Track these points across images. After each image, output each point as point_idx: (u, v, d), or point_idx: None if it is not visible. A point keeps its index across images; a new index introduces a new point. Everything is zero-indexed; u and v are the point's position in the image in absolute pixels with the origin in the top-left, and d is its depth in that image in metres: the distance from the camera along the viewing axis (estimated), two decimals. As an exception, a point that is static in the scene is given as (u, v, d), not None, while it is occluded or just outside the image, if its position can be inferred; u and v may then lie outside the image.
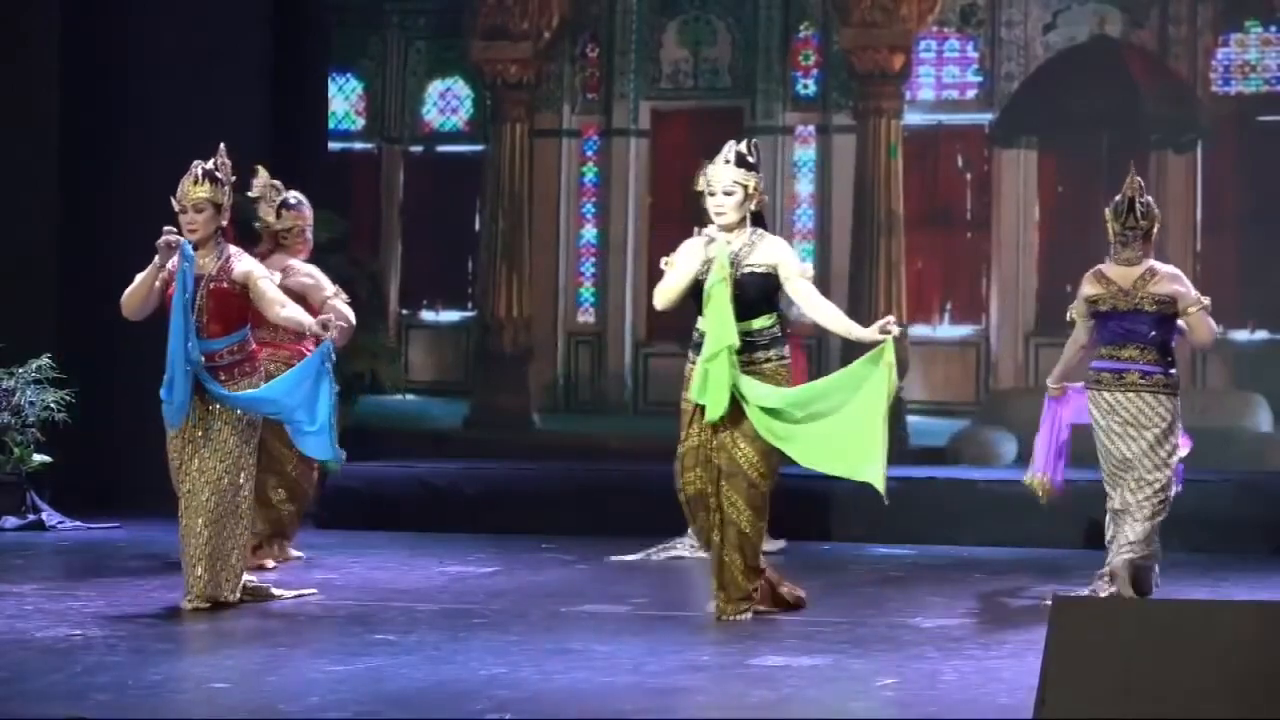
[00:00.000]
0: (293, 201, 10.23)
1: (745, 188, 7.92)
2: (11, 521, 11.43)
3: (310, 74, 13.65)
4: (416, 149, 13.86)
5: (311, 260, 10.18)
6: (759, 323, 7.92)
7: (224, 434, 8.11)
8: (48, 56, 12.60)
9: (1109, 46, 12.84)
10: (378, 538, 10.95)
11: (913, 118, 13.03)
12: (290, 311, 8.23)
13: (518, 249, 13.54)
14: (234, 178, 8.34)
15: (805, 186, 13.23)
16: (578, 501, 11.58)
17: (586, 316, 13.55)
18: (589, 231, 13.57)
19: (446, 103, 13.82)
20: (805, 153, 13.23)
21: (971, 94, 13.03)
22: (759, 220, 8.07)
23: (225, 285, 8.13)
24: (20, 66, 12.60)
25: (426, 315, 13.73)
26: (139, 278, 8.16)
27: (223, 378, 8.10)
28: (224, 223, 8.22)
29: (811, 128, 13.25)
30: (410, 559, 10.14)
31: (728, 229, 7.93)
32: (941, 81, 13.08)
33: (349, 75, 13.90)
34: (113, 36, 12.95)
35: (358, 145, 13.92)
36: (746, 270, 7.88)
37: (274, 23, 13.42)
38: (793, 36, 13.30)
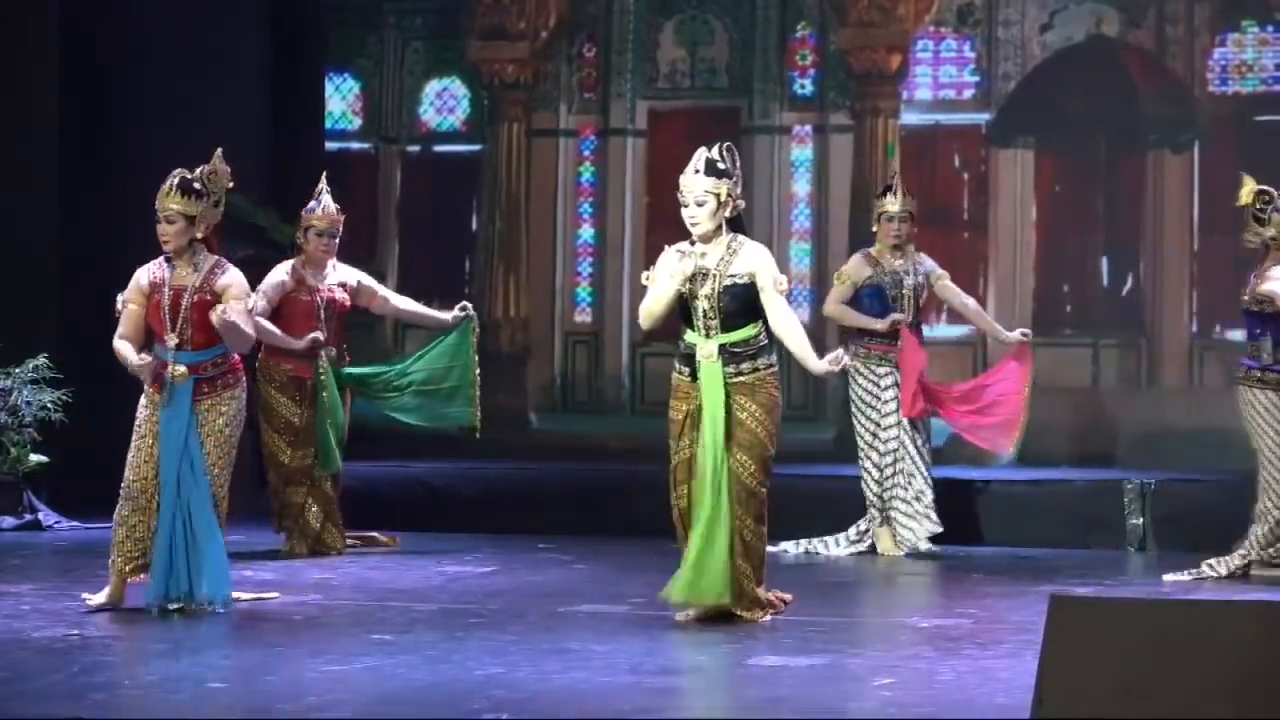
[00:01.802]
0: (309, 205, 10.23)
1: (718, 196, 7.76)
2: (9, 521, 11.43)
3: (308, 74, 13.64)
4: (414, 149, 13.85)
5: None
6: (742, 334, 7.81)
7: (207, 445, 8.07)
8: (48, 56, 12.59)
9: (1106, 46, 12.83)
10: (375, 538, 10.94)
11: (910, 117, 13.03)
12: (240, 347, 8.19)
13: (515, 249, 13.53)
14: (231, 184, 8.26)
15: (802, 186, 13.23)
16: (576, 501, 11.57)
17: (584, 316, 13.53)
18: (586, 231, 13.56)
19: (444, 102, 13.81)
20: (802, 152, 13.22)
21: (969, 94, 13.03)
22: (737, 225, 7.93)
23: (209, 298, 8.07)
24: (20, 66, 12.59)
25: (424, 315, 13.69)
26: (128, 363, 8.05)
27: (205, 390, 8.08)
28: (198, 234, 8.09)
29: (809, 127, 13.24)
30: (408, 559, 10.14)
31: (704, 239, 7.83)
32: (938, 81, 13.08)
33: (346, 75, 13.89)
34: (113, 36, 12.94)
35: (355, 145, 13.91)
36: (728, 282, 7.81)
37: (272, 22, 13.41)
38: (790, 36, 13.30)
